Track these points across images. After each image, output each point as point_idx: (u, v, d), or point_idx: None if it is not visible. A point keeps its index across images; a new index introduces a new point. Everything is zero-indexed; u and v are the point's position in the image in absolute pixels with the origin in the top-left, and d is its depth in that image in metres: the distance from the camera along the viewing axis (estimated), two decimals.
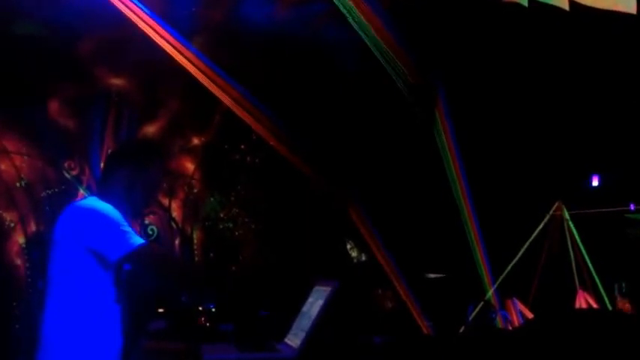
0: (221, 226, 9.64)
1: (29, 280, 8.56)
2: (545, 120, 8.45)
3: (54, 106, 8.88)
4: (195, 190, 9.58)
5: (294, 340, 4.37)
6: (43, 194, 8.78)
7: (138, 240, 3.16)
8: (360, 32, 8.33)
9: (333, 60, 8.54)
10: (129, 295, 3.27)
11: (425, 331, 8.30)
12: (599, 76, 8.15)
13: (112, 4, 8.06)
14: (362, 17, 8.29)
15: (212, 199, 9.62)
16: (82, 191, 8.80)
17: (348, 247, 9.53)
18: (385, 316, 8.34)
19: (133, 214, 3.37)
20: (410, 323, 8.39)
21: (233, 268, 9.56)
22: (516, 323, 7.26)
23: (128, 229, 3.16)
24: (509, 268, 8.12)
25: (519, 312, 7.35)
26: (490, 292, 8.21)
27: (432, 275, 8.33)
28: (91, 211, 3.18)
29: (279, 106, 8.73)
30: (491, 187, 8.47)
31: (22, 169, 8.77)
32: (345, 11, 8.23)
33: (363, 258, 9.41)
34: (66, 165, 8.94)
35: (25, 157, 8.79)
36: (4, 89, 8.03)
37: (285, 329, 4.61)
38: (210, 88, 8.69)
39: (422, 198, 8.75)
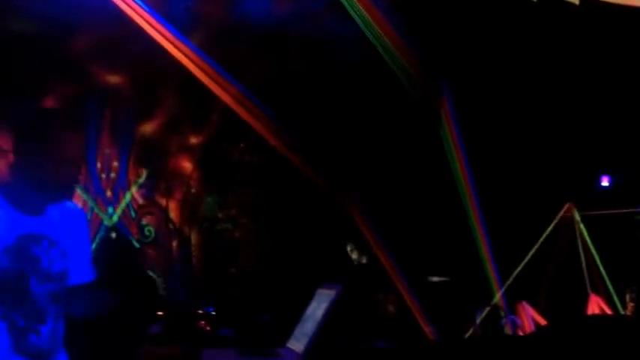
0: (219, 227, 9.54)
1: None
2: (555, 120, 8.34)
3: (49, 104, 8.73)
4: (193, 190, 9.47)
5: (297, 345, 4.23)
6: None
7: None
8: (362, 28, 8.20)
9: (334, 56, 8.42)
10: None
11: (429, 336, 8.14)
12: (608, 75, 8.04)
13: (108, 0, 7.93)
14: (364, 11, 8.16)
15: (210, 199, 9.52)
16: (78, 191, 8.64)
17: (349, 249, 9.37)
18: (388, 320, 8.17)
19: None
20: (413, 328, 8.24)
21: (232, 270, 9.45)
22: (528, 329, 7.08)
23: None
24: (517, 271, 7.99)
25: (531, 317, 7.16)
26: (497, 296, 8.06)
27: (435, 278, 8.18)
28: None
29: (279, 104, 8.60)
30: (499, 187, 8.33)
31: None
32: (347, 5, 8.10)
33: (364, 260, 9.25)
34: None
35: None
36: None
37: (288, 333, 4.47)
38: (208, 85, 8.55)
39: (426, 198, 8.61)
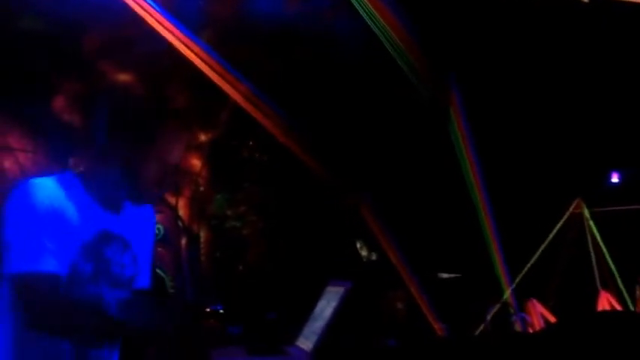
0: (228, 225, 9.54)
1: None
2: (564, 115, 8.30)
3: (59, 102, 8.77)
4: (202, 188, 9.47)
5: (306, 343, 4.22)
6: None
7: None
8: (371, 25, 8.18)
9: (343, 54, 8.41)
10: None
11: (439, 333, 8.13)
12: (619, 71, 7.99)
13: None
14: (372, 9, 8.14)
15: (219, 196, 9.52)
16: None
17: (358, 245, 9.37)
18: (398, 318, 8.16)
19: None
20: (423, 325, 8.22)
21: (241, 267, 9.46)
22: (537, 326, 7.06)
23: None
24: (527, 268, 7.96)
25: (540, 314, 7.14)
26: (507, 293, 8.03)
27: (445, 275, 8.17)
28: None
29: (288, 102, 8.59)
30: (508, 183, 8.30)
31: (26, 167, 8.66)
32: (355, 3, 8.08)
33: (374, 257, 9.25)
34: (72, 162, 8.81)
35: (30, 154, 8.69)
36: (8, 85, 7.91)
37: (296, 332, 4.45)
38: (218, 83, 8.55)
39: (435, 195, 8.58)
